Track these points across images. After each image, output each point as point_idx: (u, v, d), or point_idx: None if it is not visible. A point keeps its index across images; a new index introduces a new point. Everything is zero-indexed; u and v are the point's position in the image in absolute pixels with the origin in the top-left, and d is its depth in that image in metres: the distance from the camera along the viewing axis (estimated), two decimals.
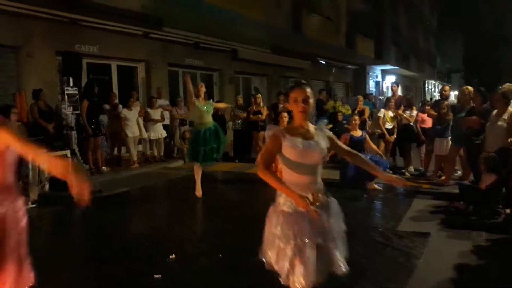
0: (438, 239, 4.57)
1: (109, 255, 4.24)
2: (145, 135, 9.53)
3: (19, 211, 2.24)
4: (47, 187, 6.54)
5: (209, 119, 6.31)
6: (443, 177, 7.34)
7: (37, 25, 8.19)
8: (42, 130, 7.35)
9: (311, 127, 2.45)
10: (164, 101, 10.35)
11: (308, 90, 2.39)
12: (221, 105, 8.57)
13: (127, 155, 9.51)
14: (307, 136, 2.38)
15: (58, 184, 6.07)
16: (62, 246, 4.59)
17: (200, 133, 6.22)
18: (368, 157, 4.91)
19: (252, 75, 15.81)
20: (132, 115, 9.10)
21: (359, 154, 2.66)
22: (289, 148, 2.33)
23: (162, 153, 9.96)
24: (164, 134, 9.89)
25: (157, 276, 3.65)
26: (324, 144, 2.40)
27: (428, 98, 30.66)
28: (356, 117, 7.40)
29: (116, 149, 9.53)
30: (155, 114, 9.62)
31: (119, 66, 10.49)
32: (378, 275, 3.73)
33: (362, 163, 2.61)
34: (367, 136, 7.34)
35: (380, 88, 27.48)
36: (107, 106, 9.01)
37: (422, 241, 4.47)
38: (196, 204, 6.19)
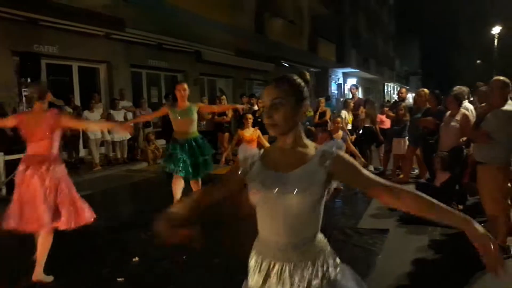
0: (396, 235, 4.77)
1: (72, 258, 4.16)
2: (108, 137, 9.36)
3: (64, 171, 3.64)
4: (4, 191, 6.32)
5: (190, 129, 5.09)
6: (401, 176, 7.63)
7: None
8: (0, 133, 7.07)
9: (306, 147, 1.52)
10: (127, 103, 10.20)
11: (283, 88, 1.47)
12: (214, 107, 6.58)
13: (89, 157, 9.29)
14: (286, 164, 1.49)
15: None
16: (22, 250, 4.45)
17: (178, 146, 5.03)
18: None
19: (217, 76, 15.82)
20: (94, 117, 8.92)
21: (412, 191, 1.50)
22: (250, 188, 1.52)
23: (125, 155, 9.80)
24: (127, 135, 9.74)
25: (120, 279, 3.63)
26: (314, 179, 1.44)
27: (387, 99, 31.65)
28: (339, 119, 7.11)
29: (74, 152, 9.31)
30: (118, 115, 9.46)
31: (80, 67, 10.24)
32: None
33: (421, 207, 1.47)
34: (347, 137, 6.99)
35: (342, 90, 28.13)
36: (67, 108, 8.78)
37: (381, 237, 4.65)
38: (161, 207, 6.12)
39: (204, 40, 12.89)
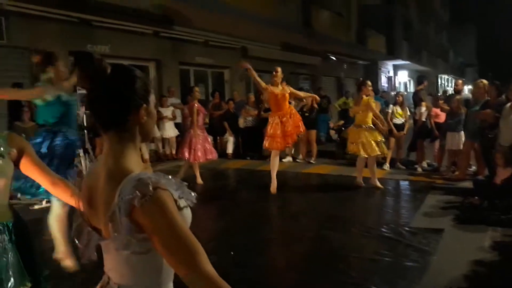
0: (452, 236, 4.52)
1: None
2: (158, 133, 9.58)
3: None
4: None
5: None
6: (456, 173, 7.25)
7: (49, 26, 8.26)
8: None
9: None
10: (175, 100, 10.39)
11: None
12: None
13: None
14: None
15: None
16: None
17: None
18: None
19: (263, 72, 15.71)
20: (166, 112, 9.31)
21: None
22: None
23: (174, 151, 10.00)
24: (176, 132, 9.92)
25: None
26: None
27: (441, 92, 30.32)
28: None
29: None
30: (166, 112, 9.66)
31: (131, 65, 10.52)
32: (390, 272, 3.69)
33: None
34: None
35: (392, 83, 27.25)
36: None
37: (436, 237, 4.42)
38: (206, 202, 6.19)
39: (250, 35, 12.89)
